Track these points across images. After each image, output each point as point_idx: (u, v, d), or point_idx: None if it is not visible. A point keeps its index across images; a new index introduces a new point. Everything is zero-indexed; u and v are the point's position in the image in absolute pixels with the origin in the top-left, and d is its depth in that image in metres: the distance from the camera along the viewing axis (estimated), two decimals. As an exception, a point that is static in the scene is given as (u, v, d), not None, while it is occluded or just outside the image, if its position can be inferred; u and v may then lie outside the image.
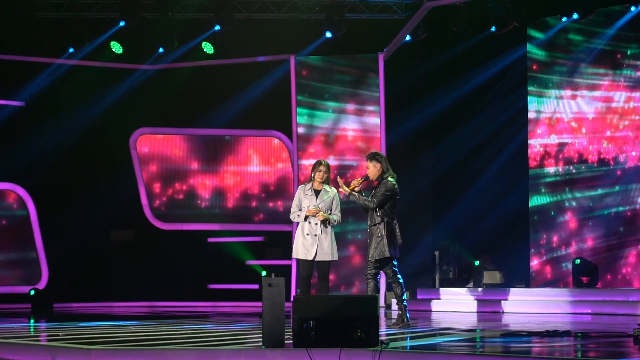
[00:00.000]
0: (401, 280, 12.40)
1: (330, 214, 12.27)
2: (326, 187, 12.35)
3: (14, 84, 20.13)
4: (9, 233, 20.19)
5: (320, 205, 12.22)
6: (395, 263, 12.40)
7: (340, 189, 12.27)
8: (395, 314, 13.53)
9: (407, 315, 12.47)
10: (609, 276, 17.63)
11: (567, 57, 18.46)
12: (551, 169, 18.48)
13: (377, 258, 12.16)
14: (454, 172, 20.11)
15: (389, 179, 12.28)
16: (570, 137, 18.27)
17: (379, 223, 12.20)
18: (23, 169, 20.07)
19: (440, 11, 18.71)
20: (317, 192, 12.33)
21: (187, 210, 20.84)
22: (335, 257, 12.29)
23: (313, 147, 19.64)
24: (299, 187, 12.47)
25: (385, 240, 12.14)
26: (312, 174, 12.40)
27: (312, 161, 19.08)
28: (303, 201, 12.31)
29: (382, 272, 12.62)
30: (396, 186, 12.27)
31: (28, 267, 20.17)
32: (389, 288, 17.75)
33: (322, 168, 12.35)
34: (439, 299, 17.52)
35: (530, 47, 18.77)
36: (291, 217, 12.46)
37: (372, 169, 12.39)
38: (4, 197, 20.18)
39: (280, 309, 9.17)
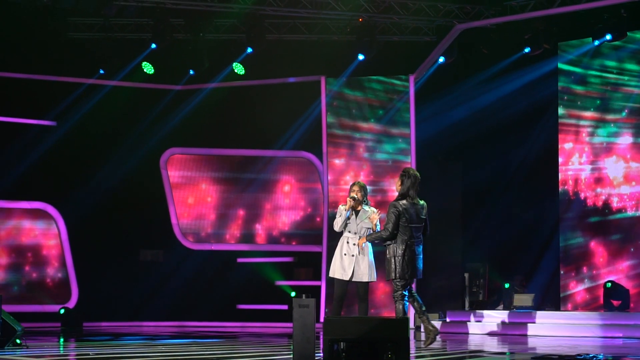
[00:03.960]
0: (416, 295, 12.35)
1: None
2: (365, 207, 12.40)
3: (46, 104, 20.26)
4: (40, 252, 20.29)
5: (359, 225, 12.28)
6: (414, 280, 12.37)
7: (360, 242, 12.27)
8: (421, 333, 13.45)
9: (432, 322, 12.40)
10: (640, 300, 17.51)
11: (601, 80, 18.33)
12: (583, 192, 18.36)
13: (391, 278, 12.11)
14: (483, 193, 20.02)
15: (395, 201, 12.20)
16: (603, 161, 18.15)
17: (389, 245, 12.16)
18: (54, 189, 20.18)
19: (471, 33, 18.70)
20: (356, 213, 12.38)
21: (217, 230, 20.87)
22: (373, 279, 12.28)
23: (343, 169, 19.62)
24: (341, 205, 12.46)
25: (392, 262, 12.07)
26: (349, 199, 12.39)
27: (342, 181, 19.12)
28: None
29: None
30: (399, 207, 12.10)
31: (58, 286, 20.25)
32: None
33: (355, 188, 12.42)
34: (469, 321, 17.44)
35: (561, 68, 18.63)
36: (335, 227, 12.43)
37: (396, 185, 12.43)
38: (35, 216, 20.29)
39: (310, 330, 9.17)
